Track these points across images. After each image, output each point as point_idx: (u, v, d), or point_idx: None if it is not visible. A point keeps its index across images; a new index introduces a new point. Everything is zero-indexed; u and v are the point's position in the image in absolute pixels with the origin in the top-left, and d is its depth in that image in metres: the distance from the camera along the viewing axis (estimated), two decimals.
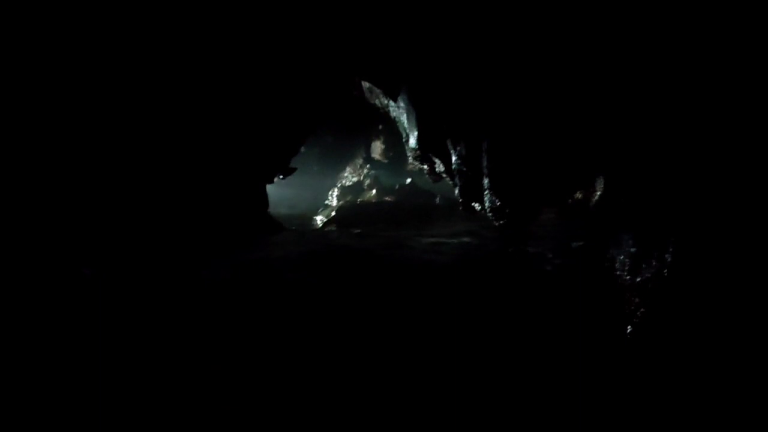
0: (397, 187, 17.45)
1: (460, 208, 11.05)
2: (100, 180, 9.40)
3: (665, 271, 5.78)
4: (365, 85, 17.36)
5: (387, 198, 16.47)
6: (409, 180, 17.80)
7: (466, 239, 10.98)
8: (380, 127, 20.81)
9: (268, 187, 12.32)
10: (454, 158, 10.65)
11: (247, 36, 9.87)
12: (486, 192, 10.05)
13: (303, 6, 9.68)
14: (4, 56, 8.26)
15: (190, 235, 10.26)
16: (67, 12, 8.60)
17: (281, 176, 13.00)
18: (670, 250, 5.80)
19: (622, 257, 6.62)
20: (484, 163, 9.95)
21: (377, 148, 21.58)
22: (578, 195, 11.37)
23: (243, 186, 11.21)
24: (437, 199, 15.14)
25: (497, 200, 9.91)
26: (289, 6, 9.63)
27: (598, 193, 10.88)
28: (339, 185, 19.60)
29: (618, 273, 6.60)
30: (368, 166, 20.82)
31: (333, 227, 13.51)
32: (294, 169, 13.04)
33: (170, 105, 9.83)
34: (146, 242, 9.76)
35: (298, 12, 9.71)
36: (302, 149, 15.22)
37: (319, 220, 15.67)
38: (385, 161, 21.18)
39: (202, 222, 10.50)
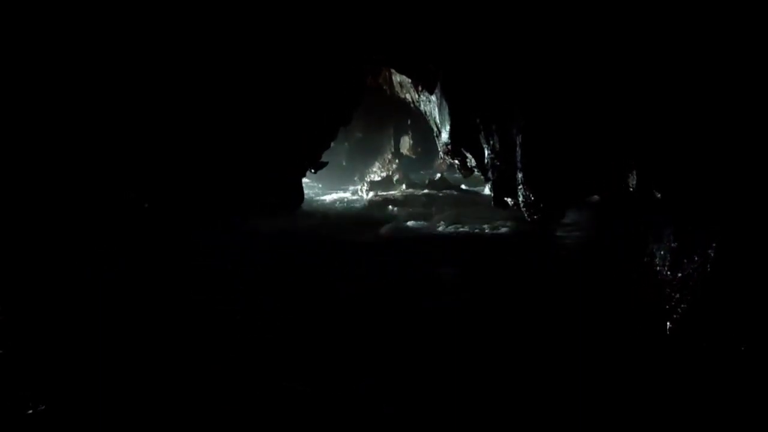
0: (426, 181, 17.41)
1: (493, 203, 10.98)
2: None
3: (708, 266, 5.67)
4: (396, 79, 17.37)
5: (416, 192, 16.44)
6: (438, 175, 17.76)
7: (503, 229, 10.93)
8: (409, 122, 20.81)
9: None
10: (486, 152, 10.59)
11: (282, 33, 9.91)
12: (520, 186, 9.97)
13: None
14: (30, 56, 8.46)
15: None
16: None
17: (313, 170, 13.06)
18: (713, 245, 5.70)
19: (662, 252, 6.53)
20: (518, 158, 9.87)
21: (406, 143, 21.58)
22: (611, 189, 11.23)
23: (279, 178, 11.35)
24: (469, 194, 15.09)
25: (531, 194, 9.82)
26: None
27: (632, 187, 10.74)
28: (368, 180, 19.61)
29: (658, 268, 6.51)
30: (397, 161, 20.84)
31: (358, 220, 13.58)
32: (325, 163, 13.10)
33: (217, 109, 10.12)
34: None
35: (333, 5, 9.71)
36: (332, 144, 15.27)
37: (346, 212, 15.71)
38: (414, 156, 21.18)
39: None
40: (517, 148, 9.91)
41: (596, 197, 10.97)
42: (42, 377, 4.84)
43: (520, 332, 6.13)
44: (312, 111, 11.10)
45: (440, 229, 11.45)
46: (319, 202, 16.72)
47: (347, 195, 19.33)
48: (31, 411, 4.20)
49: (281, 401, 4.58)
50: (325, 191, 19.70)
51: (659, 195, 8.92)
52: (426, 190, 16.43)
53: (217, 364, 5.21)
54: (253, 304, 7.10)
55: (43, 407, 4.25)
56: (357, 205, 16.10)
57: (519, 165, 9.88)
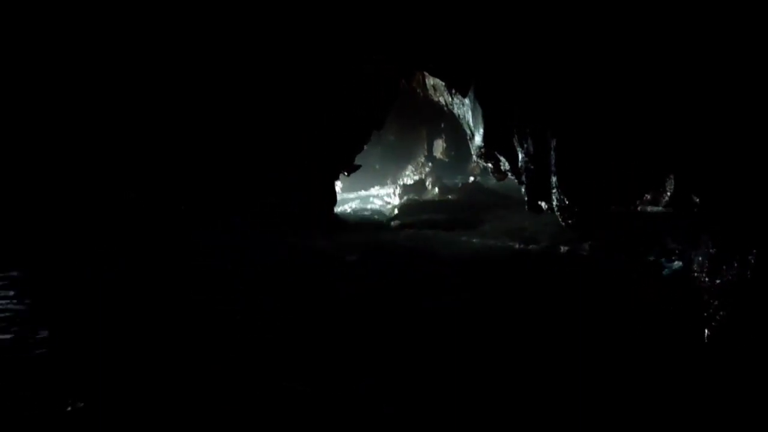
0: (459, 185, 17.34)
1: (526, 207, 10.89)
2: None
3: (748, 272, 5.55)
4: (429, 82, 17.38)
5: (449, 196, 16.38)
6: (472, 179, 17.68)
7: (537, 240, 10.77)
8: (442, 125, 20.78)
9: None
10: (520, 156, 10.51)
11: (320, 35, 9.99)
12: (554, 190, 9.88)
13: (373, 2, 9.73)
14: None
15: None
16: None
17: (346, 173, 13.11)
18: (753, 250, 5.58)
19: (700, 258, 6.40)
20: (552, 162, 9.78)
21: (439, 147, 21.54)
22: (648, 195, 11.06)
23: (313, 181, 11.44)
24: (502, 198, 14.96)
25: (565, 199, 9.73)
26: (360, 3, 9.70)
27: (669, 193, 10.56)
28: (400, 183, 19.61)
29: (696, 274, 6.38)
30: (430, 164, 20.81)
31: (395, 224, 13.57)
32: (358, 166, 13.14)
33: (220, 110, 10.36)
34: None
35: (368, 9, 9.76)
36: (365, 147, 15.33)
37: (381, 216, 15.72)
38: (447, 160, 21.13)
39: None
40: (552, 152, 9.83)
41: (633, 202, 10.79)
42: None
43: (547, 338, 6.03)
44: (344, 114, 11.16)
45: (473, 239, 11.32)
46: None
47: (373, 195, 19.42)
48: (70, 408, 4.29)
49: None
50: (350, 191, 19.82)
51: (697, 200, 8.78)
52: (459, 195, 16.35)
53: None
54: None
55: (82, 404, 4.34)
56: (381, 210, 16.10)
57: (553, 169, 9.79)
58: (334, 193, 12.44)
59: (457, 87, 11.73)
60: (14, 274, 8.05)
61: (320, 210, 12.00)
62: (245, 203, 11.21)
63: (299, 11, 9.93)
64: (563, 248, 9.73)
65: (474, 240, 10.96)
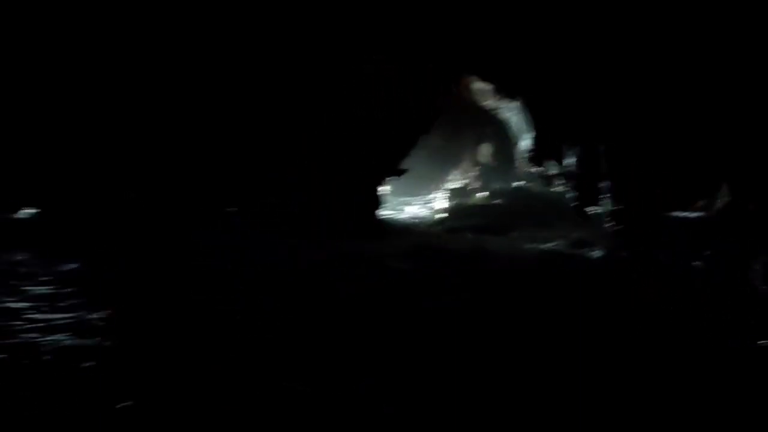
0: (506, 190, 17.22)
1: (575, 212, 10.78)
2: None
3: None
4: (476, 86, 17.31)
5: (496, 201, 16.28)
6: (518, 184, 17.54)
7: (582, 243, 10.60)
8: (488, 130, 20.66)
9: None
10: (569, 161, 10.43)
11: (372, 38, 10.06)
12: (604, 196, 9.76)
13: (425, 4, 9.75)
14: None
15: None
16: None
17: (391, 178, 13.14)
18: None
19: (757, 267, 6.26)
20: (602, 167, 9.67)
21: (485, 151, 21.42)
22: (701, 201, 10.83)
23: (357, 186, 11.49)
24: (549, 204, 14.79)
25: (616, 205, 9.60)
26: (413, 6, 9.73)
27: (723, 199, 10.33)
28: (446, 188, 19.57)
29: (755, 282, 6.24)
30: (476, 169, 20.71)
31: (442, 228, 13.58)
32: (404, 171, 13.15)
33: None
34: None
35: (419, 11, 9.79)
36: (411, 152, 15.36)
37: (427, 220, 15.73)
38: (493, 164, 20.99)
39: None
40: (601, 157, 9.73)
41: (685, 208, 10.57)
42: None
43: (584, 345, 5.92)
44: (392, 120, 11.20)
45: (522, 243, 11.20)
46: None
47: (419, 199, 19.39)
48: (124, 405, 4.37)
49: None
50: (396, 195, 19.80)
51: (752, 207, 8.57)
52: (505, 199, 16.23)
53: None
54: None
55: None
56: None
57: (603, 174, 9.68)
58: (380, 196, 12.47)
59: (506, 92, 11.68)
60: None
61: (365, 214, 12.06)
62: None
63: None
64: (613, 254, 9.59)
65: (524, 244, 10.86)
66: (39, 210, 10.82)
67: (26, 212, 11.05)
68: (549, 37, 9.75)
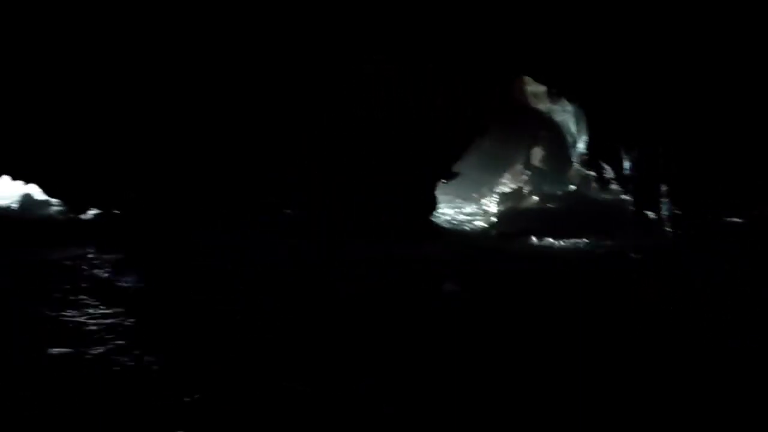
0: (559, 194, 16.96)
1: (632, 216, 10.57)
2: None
3: None
4: (529, 88, 17.13)
5: (548, 205, 16.05)
6: (572, 187, 17.25)
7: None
8: (541, 133, 20.38)
9: None
10: (626, 164, 10.26)
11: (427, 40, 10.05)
12: (662, 200, 9.56)
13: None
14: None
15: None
16: None
17: (444, 180, 13.14)
18: None
19: None
20: (661, 170, 9.48)
21: (538, 155, 21.12)
22: (763, 206, 10.51)
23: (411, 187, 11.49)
24: (605, 208, 14.51)
25: (675, 209, 9.39)
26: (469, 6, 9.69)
27: None
28: (498, 192, 19.40)
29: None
30: (528, 172, 20.46)
31: (495, 232, 13.49)
32: (457, 174, 13.16)
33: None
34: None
35: (475, 12, 9.75)
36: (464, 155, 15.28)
37: (480, 224, 15.64)
38: (545, 168, 20.70)
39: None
40: (660, 160, 9.54)
41: (746, 214, 10.26)
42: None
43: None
44: (449, 121, 11.18)
45: (579, 247, 11.02)
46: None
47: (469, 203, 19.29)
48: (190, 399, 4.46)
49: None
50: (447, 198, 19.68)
51: None
52: (559, 203, 15.98)
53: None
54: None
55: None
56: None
57: (662, 177, 9.48)
58: (433, 200, 12.48)
59: (560, 93, 11.55)
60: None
61: (418, 217, 12.08)
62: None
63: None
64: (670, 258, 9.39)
65: (581, 249, 10.71)
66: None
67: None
68: (606, 38, 9.61)
